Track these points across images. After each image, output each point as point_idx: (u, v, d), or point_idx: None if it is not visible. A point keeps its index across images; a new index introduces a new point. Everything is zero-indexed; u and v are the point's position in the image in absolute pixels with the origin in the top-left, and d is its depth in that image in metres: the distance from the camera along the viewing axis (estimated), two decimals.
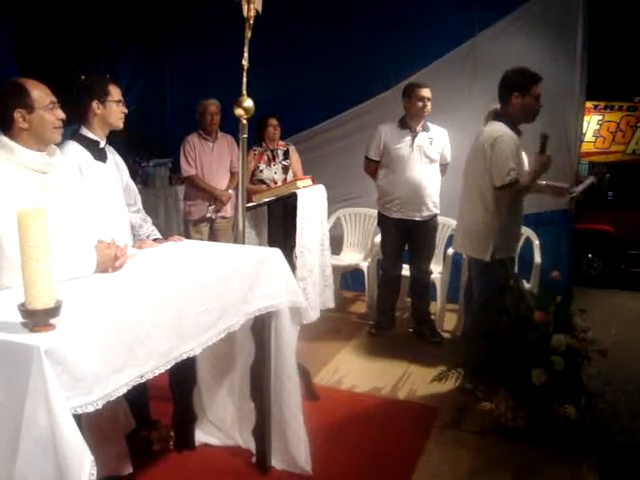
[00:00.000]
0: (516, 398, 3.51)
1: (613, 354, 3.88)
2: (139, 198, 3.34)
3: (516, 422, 3.58)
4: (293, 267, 3.20)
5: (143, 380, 2.07)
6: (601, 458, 3.48)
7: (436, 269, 5.32)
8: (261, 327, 2.93)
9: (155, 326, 2.12)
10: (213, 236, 5.45)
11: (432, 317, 5.23)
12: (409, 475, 3.18)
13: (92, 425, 2.30)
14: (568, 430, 3.55)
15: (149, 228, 3.25)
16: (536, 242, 5.25)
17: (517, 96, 3.88)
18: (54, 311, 1.79)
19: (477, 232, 3.98)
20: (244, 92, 3.31)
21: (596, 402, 3.56)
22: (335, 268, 5.86)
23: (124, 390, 1.98)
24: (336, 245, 5.97)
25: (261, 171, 5.42)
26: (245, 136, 3.34)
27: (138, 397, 2.88)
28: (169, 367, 2.23)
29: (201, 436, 3.32)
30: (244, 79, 3.29)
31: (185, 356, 2.30)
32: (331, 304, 3.61)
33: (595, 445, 3.59)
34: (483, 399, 3.79)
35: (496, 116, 4.01)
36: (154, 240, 3.15)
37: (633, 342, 7.34)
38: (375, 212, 5.27)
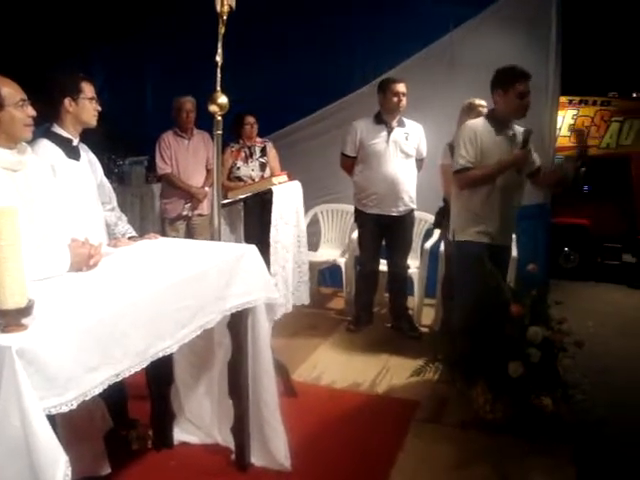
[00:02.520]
0: (494, 391, 3.53)
1: (590, 346, 3.91)
2: (114, 196, 3.31)
3: (494, 414, 3.60)
4: (269, 263, 3.19)
5: (119, 379, 2.06)
6: (578, 448, 3.52)
7: (413, 264, 5.33)
8: (237, 324, 2.92)
9: (130, 324, 2.11)
10: (190, 234, 5.43)
11: (410, 312, 5.25)
12: (389, 469, 3.19)
13: (68, 425, 2.29)
14: (546, 421, 3.58)
15: (124, 226, 3.22)
16: (512, 236, 5.27)
17: (500, 94, 3.91)
18: (26, 311, 1.77)
19: (458, 214, 4.07)
20: (218, 88, 3.29)
21: (573, 393, 3.60)
22: (313, 264, 5.87)
23: (100, 389, 1.97)
24: (314, 241, 5.98)
25: (238, 168, 5.40)
26: (220, 132, 3.32)
27: (115, 396, 2.84)
28: (145, 365, 2.21)
29: (179, 434, 3.30)
30: (218, 75, 3.28)
31: (161, 354, 2.29)
32: (306, 300, 3.61)
33: (572, 436, 3.62)
34: (462, 392, 3.81)
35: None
36: (129, 238, 3.13)
37: (610, 334, 7.41)
38: (352, 208, 5.27)
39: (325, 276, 6.27)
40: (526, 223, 5.50)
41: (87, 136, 3.12)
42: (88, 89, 2.97)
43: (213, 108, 3.29)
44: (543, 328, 3.48)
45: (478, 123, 3.95)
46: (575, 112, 11.01)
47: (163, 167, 5.40)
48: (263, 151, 5.49)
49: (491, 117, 3.97)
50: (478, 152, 3.88)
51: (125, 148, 6.63)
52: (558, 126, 10.20)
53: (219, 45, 3.26)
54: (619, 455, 4.47)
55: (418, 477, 3.16)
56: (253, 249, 2.94)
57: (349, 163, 5.05)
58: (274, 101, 5.88)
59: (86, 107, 2.95)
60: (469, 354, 3.50)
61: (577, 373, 3.91)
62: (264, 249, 3.16)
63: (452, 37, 5.74)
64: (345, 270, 5.66)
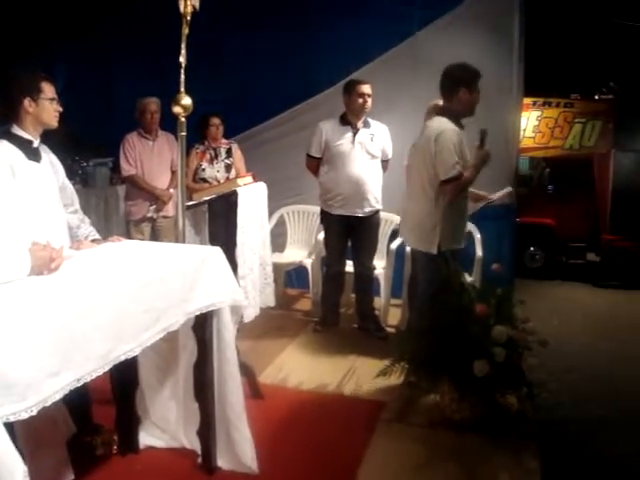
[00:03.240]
0: (460, 390, 3.56)
1: (555, 344, 3.96)
2: (76, 198, 3.25)
3: (460, 413, 3.63)
4: (234, 265, 3.17)
5: (81, 384, 2.03)
6: (543, 445, 3.56)
7: (379, 265, 5.34)
8: (202, 326, 2.90)
9: (92, 328, 2.08)
10: (155, 236, 5.39)
11: (376, 312, 5.25)
12: (356, 470, 3.19)
13: (29, 432, 2.25)
14: (511, 419, 3.62)
15: (87, 229, 3.18)
16: (477, 236, 5.33)
17: (465, 91, 3.93)
18: None
19: (423, 225, 4.03)
20: (182, 89, 3.27)
21: (538, 392, 3.64)
22: (279, 266, 5.88)
23: (61, 395, 1.94)
24: (280, 242, 5.97)
25: (203, 170, 5.38)
26: (183, 134, 3.30)
27: (78, 401, 2.81)
28: (108, 369, 2.19)
29: (145, 438, 3.26)
30: (182, 76, 3.26)
31: (124, 357, 2.27)
32: (272, 302, 3.60)
33: (537, 433, 3.66)
34: (428, 392, 3.83)
35: (440, 111, 4.06)
36: (92, 241, 3.08)
37: (574, 332, 7.52)
38: (318, 209, 5.26)
39: (292, 277, 6.27)
40: (491, 223, 5.57)
41: (49, 137, 3.07)
42: (48, 89, 2.91)
43: (177, 109, 3.26)
44: (508, 327, 3.50)
45: (450, 125, 3.94)
46: (539, 113, 11.16)
47: (127, 169, 5.35)
48: (228, 152, 5.46)
49: (453, 116, 3.98)
50: (459, 155, 3.91)
51: (89, 149, 6.55)
52: (522, 127, 10.38)
53: (183, 46, 3.24)
54: (583, 451, 4.53)
55: (385, 477, 3.17)
56: (218, 251, 2.92)
57: (314, 164, 5.05)
58: (239, 102, 5.86)
59: (46, 108, 2.90)
60: (434, 354, 3.52)
61: (542, 372, 3.95)
62: (229, 251, 3.15)
63: (417, 38, 5.78)
64: (311, 271, 5.66)
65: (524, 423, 3.62)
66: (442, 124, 3.94)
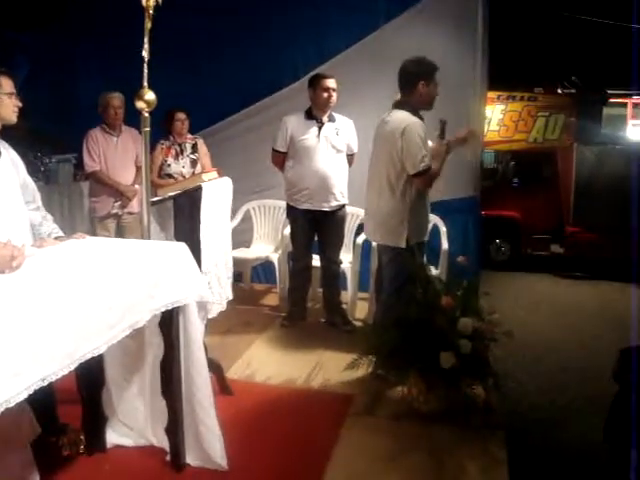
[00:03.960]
0: (427, 382, 3.59)
1: (522, 335, 4.03)
2: (38, 195, 3.20)
3: (428, 405, 3.66)
4: (199, 261, 3.15)
5: (46, 383, 2.00)
6: (510, 434, 3.61)
7: (346, 259, 5.36)
8: (168, 322, 2.89)
9: (56, 327, 2.06)
10: (120, 232, 5.34)
11: (344, 306, 5.27)
12: (325, 463, 3.21)
13: None
14: (478, 410, 3.66)
15: (50, 226, 3.13)
16: (443, 229, 5.37)
17: (423, 84, 3.96)
18: None
19: (390, 220, 4.04)
20: (145, 84, 3.23)
21: (504, 382, 3.68)
22: (246, 261, 5.88)
23: (25, 395, 1.91)
24: (246, 238, 5.96)
25: (169, 165, 5.33)
26: (147, 129, 3.26)
27: (43, 401, 2.77)
28: (73, 368, 2.16)
29: (113, 437, 3.23)
30: (145, 71, 3.22)
31: (89, 356, 2.24)
32: (230, 295, 3.58)
33: (504, 423, 3.71)
34: (396, 384, 3.86)
35: (398, 105, 4.07)
36: (55, 238, 3.03)
37: (540, 323, 7.64)
38: (284, 203, 5.26)
39: (258, 272, 6.28)
40: (456, 216, 5.62)
41: (9, 133, 3.01)
42: (7, 84, 2.85)
43: (140, 104, 3.22)
44: (474, 319, 3.54)
45: (414, 118, 3.95)
46: (503, 107, 11.26)
47: (91, 165, 5.29)
48: (194, 148, 5.43)
49: (412, 110, 4.00)
50: (426, 148, 3.93)
51: (52, 145, 6.45)
52: (487, 121, 10.47)
53: (145, 40, 3.20)
54: (549, 440, 4.60)
55: (354, 469, 3.19)
56: (183, 247, 2.91)
57: (280, 159, 5.04)
58: (204, 97, 5.82)
59: (5, 103, 2.84)
60: (401, 346, 3.54)
61: (509, 362, 4.00)
62: (195, 247, 3.13)
63: (382, 32, 5.80)
64: (278, 266, 5.65)
65: (491, 413, 3.67)
66: (405, 118, 3.95)
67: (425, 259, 4.32)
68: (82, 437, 3.16)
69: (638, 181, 9.43)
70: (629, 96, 12.45)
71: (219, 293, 3.47)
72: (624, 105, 12.38)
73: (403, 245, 3.98)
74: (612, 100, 12.14)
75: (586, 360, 6.06)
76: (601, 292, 9.43)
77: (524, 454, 3.87)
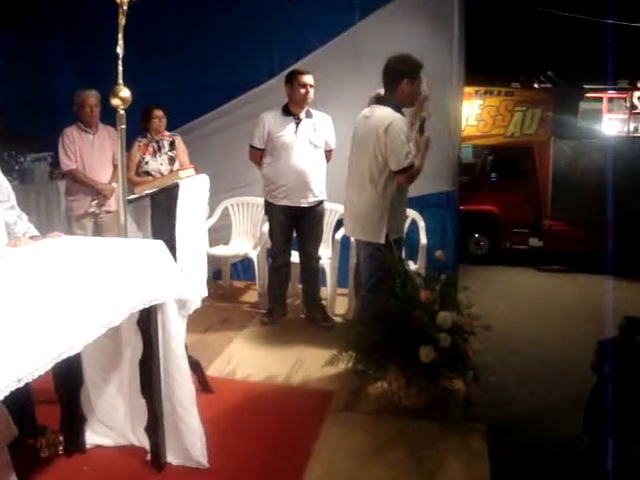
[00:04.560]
0: (407, 376, 3.60)
1: (502, 328, 4.05)
2: (13, 195, 3.17)
3: (408, 400, 3.67)
4: (175, 258, 3.14)
5: (22, 384, 1.98)
6: (490, 427, 3.63)
7: (325, 255, 5.36)
8: (147, 321, 2.87)
9: (31, 326, 2.03)
10: (97, 231, 5.29)
11: (323, 302, 5.28)
12: (306, 460, 3.20)
13: None
14: (458, 403, 3.68)
15: (25, 225, 3.10)
16: (421, 224, 5.39)
17: (407, 82, 3.96)
18: None
19: (370, 216, 4.04)
20: (120, 81, 3.21)
21: (485, 375, 3.71)
22: (225, 258, 5.87)
23: (1, 396, 1.89)
24: (225, 235, 5.94)
25: (146, 163, 5.29)
26: (123, 127, 3.23)
27: (20, 402, 2.74)
28: (50, 368, 2.14)
29: (92, 438, 3.21)
30: (120, 68, 3.19)
31: (66, 355, 2.22)
32: (204, 292, 3.56)
33: (485, 416, 3.73)
34: (376, 380, 3.86)
35: (380, 101, 4.07)
36: (31, 238, 3.01)
37: (520, 315, 7.71)
38: (262, 200, 5.24)
39: (238, 269, 6.26)
40: (435, 211, 5.65)
41: None
42: None
43: (115, 102, 3.20)
44: (452, 313, 3.56)
45: (397, 115, 3.95)
46: (481, 102, 11.33)
47: (67, 163, 5.24)
48: (172, 145, 5.39)
49: (394, 106, 4.00)
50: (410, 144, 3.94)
51: (27, 144, 6.39)
52: (465, 116, 10.53)
53: (120, 36, 3.17)
54: (529, 431, 4.65)
55: (335, 466, 3.19)
56: (160, 245, 2.89)
57: (258, 155, 5.03)
58: (181, 94, 5.79)
59: None
60: (381, 341, 3.55)
61: (489, 355, 4.03)
62: (172, 244, 3.11)
63: (358, 28, 5.80)
64: (257, 263, 5.63)
65: (471, 407, 3.69)
66: (388, 114, 3.94)
67: (404, 254, 4.33)
68: (60, 438, 3.12)
69: (614, 175, 9.54)
70: (605, 91, 12.58)
71: (194, 290, 3.45)
72: (600, 100, 12.50)
73: (382, 241, 3.98)
74: (588, 95, 12.25)
75: (565, 352, 6.12)
76: (580, 284, 9.55)
77: (505, 447, 3.90)
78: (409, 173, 3.93)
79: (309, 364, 4.34)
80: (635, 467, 4.25)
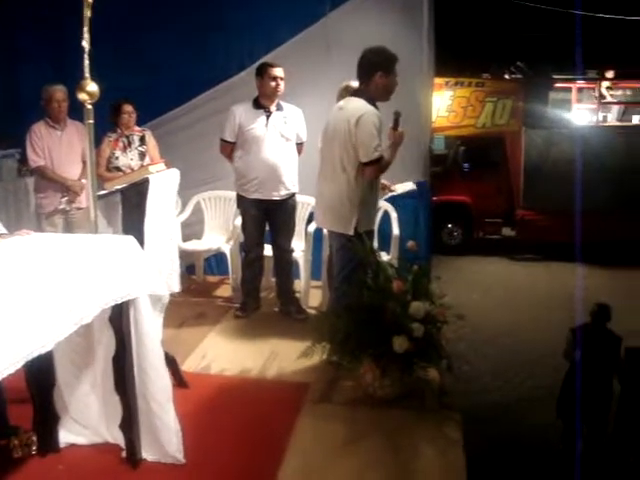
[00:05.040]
0: (381, 367, 3.61)
1: (476, 318, 4.08)
2: None
3: (383, 390, 3.69)
4: (148, 253, 3.12)
5: None
6: (465, 416, 3.67)
7: (298, 247, 5.35)
8: (119, 317, 2.85)
9: (0, 325, 2.01)
10: (68, 228, 5.23)
11: (297, 295, 5.28)
12: (283, 452, 3.21)
13: None
14: (432, 393, 3.71)
15: None
16: (394, 215, 5.40)
17: (381, 75, 3.96)
18: None
19: (340, 207, 4.04)
20: (87, 75, 3.17)
21: (458, 364, 3.74)
22: (197, 253, 5.84)
23: None
24: (197, 229, 5.91)
25: (117, 158, 5.24)
26: (91, 122, 3.19)
27: None
28: (20, 366, 2.12)
29: (66, 436, 3.18)
30: (86, 62, 3.15)
31: (36, 353, 2.20)
32: (176, 288, 3.54)
33: (459, 404, 3.76)
34: (350, 371, 3.87)
35: (355, 93, 4.08)
36: None
37: (493, 305, 7.79)
38: (234, 194, 5.21)
39: (211, 264, 6.24)
40: (407, 201, 5.66)
41: None
42: None
43: (82, 96, 3.15)
44: (425, 303, 3.58)
45: (370, 107, 3.95)
46: (452, 93, 11.38)
47: (35, 160, 5.17)
48: (142, 140, 5.34)
49: (368, 99, 4.00)
50: (380, 137, 3.94)
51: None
52: (436, 107, 10.58)
53: (85, 30, 3.13)
54: (503, 418, 4.70)
55: (312, 457, 3.20)
56: (131, 240, 2.88)
57: (229, 149, 5.00)
58: (151, 89, 5.74)
59: None
60: (354, 332, 3.56)
61: (463, 344, 4.06)
62: (142, 239, 3.09)
63: (329, 20, 5.79)
64: (230, 257, 5.62)
65: (445, 396, 3.72)
66: (361, 106, 3.94)
67: (376, 245, 4.35)
68: (34, 438, 3.08)
69: (583, 164, 9.66)
70: (574, 81, 12.72)
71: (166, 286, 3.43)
72: (569, 90, 12.64)
73: (352, 232, 3.99)
74: (558, 85, 12.38)
75: (539, 340, 6.20)
76: (552, 273, 9.67)
77: (480, 435, 3.93)
78: (377, 166, 3.94)
79: (283, 357, 4.34)
80: (607, 450, 4.33)
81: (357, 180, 3.98)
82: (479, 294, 8.30)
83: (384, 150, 3.95)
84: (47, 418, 3.11)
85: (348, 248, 3.95)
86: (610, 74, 13.09)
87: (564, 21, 12.14)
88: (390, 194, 4.65)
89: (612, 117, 12.97)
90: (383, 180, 4.53)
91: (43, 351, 2.24)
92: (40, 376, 3.02)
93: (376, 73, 3.96)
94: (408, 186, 4.96)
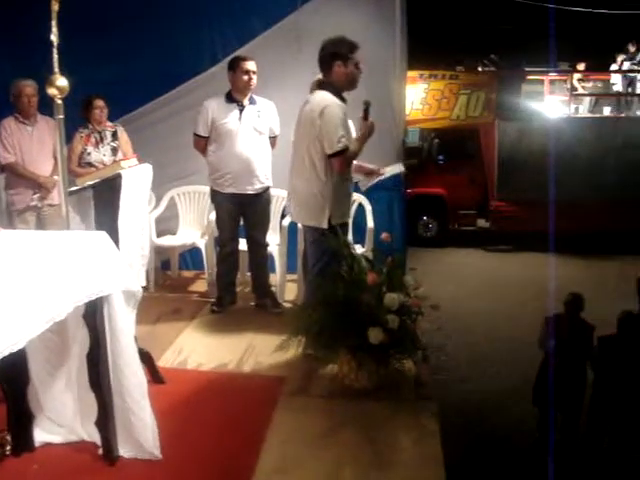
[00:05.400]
0: (357, 359, 3.63)
1: (451, 308, 4.10)
2: None
3: (359, 382, 3.71)
4: (120, 249, 3.10)
5: None
6: (441, 406, 3.69)
7: (273, 241, 5.36)
8: (92, 314, 2.83)
9: None
10: (41, 225, 5.18)
11: (273, 289, 5.28)
12: (260, 445, 3.21)
13: None
14: (409, 383, 3.73)
15: None
16: (368, 207, 5.42)
17: (339, 65, 3.97)
18: None
19: (312, 201, 4.05)
20: (56, 70, 3.13)
21: (435, 355, 3.77)
22: (172, 248, 5.82)
23: None
24: (172, 225, 5.89)
25: (89, 154, 5.21)
26: (61, 117, 3.16)
27: None
28: None
29: (41, 435, 3.15)
30: (55, 56, 3.12)
31: (8, 351, 2.17)
32: (143, 282, 3.53)
33: (435, 394, 3.79)
34: (327, 363, 3.89)
35: (320, 85, 4.08)
36: None
37: (469, 296, 7.85)
38: (208, 189, 5.20)
39: (186, 259, 6.22)
40: (381, 194, 5.68)
41: None
42: None
43: (52, 91, 3.12)
44: (400, 294, 3.59)
45: (333, 99, 3.96)
46: (426, 86, 11.41)
47: (6, 156, 5.10)
48: (114, 135, 5.31)
49: (333, 90, 4.01)
50: (345, 129, 3.94)
51: None
52: (411, 100, 10.61)
53: (53, 23, 3.09)
54: (479, 408, 4.74)
55: (288, 449, 3.20)
56: (104, 236, 2.85)
57: (202, 143, 4.98)
58: (122, 83, 5.67)
59: None
60: (330, 325, 3.57)
61: (439, 335, 4.09)
62: (114, 235, 3.07)
63: (300, 13, 5.77)
64: (205, 252, 5.60)
65: (421, 386, 3.75)
66: (325, 98, 3.96)
67: (351, 238, 4.36)
68: (8, 438, 3.05)
69: (556, 155, 9.76)
70: (546, 73, 12.84)
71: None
72: (541, 82, 12.75)
73: (325, 226, 3.99)
74: (530, 77, 12.49)
75: (514, 329, 6.25)
76: (526, 263, 9.76)
77: (457, 425, 3.96)
78: (343, 157, 3.94)
79: (260, 351, 4.34)
80: (581, 437, 4.39)
81: (327, 173, 3.99)
82: (454, 285, 8.34)
83: (350, 141, 3.96)
84: (21, 417, 3.08)
85: (321, 241, 3.96)
86: (582, 66, 13.24)
87: (536, 14, 12.24)
88: (378, 178, 4.61)
89: (584, 109, 13.11)
90: (370, 165, 4.53)
91: (14, 349, 2.21)
92: (13, 374, 2.98)
93: (334, 62, 3.98)
94: (397, 168, 4.91)
